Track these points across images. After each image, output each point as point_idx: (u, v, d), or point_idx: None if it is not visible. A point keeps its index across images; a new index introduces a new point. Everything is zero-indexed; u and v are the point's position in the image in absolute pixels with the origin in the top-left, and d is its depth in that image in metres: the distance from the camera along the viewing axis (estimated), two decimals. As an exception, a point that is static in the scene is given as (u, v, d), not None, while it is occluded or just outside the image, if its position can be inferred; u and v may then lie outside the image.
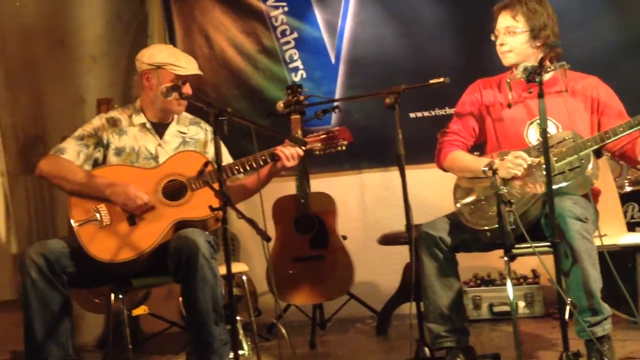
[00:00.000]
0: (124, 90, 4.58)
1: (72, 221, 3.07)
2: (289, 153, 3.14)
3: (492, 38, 3.17)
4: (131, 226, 3.06)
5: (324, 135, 3.22)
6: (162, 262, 3.06)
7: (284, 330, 3.88)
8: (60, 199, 4.40)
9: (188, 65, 3.24)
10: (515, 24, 3.09)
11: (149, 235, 3.03)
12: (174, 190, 3.12)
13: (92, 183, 3.11)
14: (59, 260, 3.01)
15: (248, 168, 3.13)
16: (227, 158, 3.32)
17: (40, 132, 4.53)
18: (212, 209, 2.72)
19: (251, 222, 2.62)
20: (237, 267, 3.86)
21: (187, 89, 3.22)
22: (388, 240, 4.14)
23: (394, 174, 4.14)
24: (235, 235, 4.51)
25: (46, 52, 4.52)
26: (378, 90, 3.14)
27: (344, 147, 3.23)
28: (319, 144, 3.20)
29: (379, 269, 4.58)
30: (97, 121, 3.29)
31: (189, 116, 3.40)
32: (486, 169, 2.88)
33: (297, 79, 4.71)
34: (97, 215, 3.07)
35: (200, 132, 3.39)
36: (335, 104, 3.64)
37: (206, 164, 2.98)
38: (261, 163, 3.13)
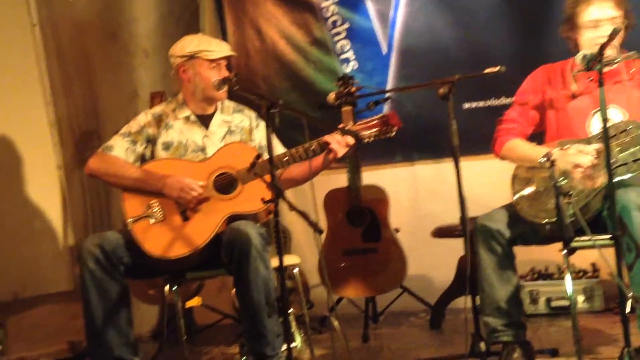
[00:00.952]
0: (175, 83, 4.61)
1: (125, 217, 3.12)
2: (338, 141, 3.12)
3: (586, 31, 3.02)
4: (184, 221, 3.09)
5: (373, 121, 3.21)
6: (215, 255, 3.09)
7: (336, 323, 3.88)
8: (115, 192, 4.39)
9: (220, 48, 3.25)
10: (617, 13, 3.01)
11: (203, 230, 3.05)
12: (225, 184, 3.14)
13: (144, 177, 3.14)
14: (115, 251, 3.05)
15: (298, 159, 3.14)
16: (279, 148, 3.32)
17: (94, 125, 4.60)
18: (264, 201, 2.74)
19: (303, 215, 2.64)
20: (289, 260, 3.90)
21: (224, 73, 3.24)
22: (442, 233, 4.11)
23: (447, 165, 4.20)
24: (286, 227, 4.54)
25: (99, 46, 4.59)
26: (431, 81, 3.12)
27: (393, 133, 3.21)
28: (368, 131, 3.19)
29: (432, 262, 4.55)
30: (143, 117, 3.32)
31: (232, 104, 3.41)
32: (543, 159, 2.81)
33: (348, 70, 4.70)
34: (151, 210, 3.10)
35: (245, 120, 3.39)
36: (387, 95, 3.66)
37: (257, 156, 2.99)
38: (311, 153, 3.13)
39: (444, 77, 3.07)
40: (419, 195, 4.68)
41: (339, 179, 4.25)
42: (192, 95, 3.31)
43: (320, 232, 2.62)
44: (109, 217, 4.58)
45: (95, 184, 4.54)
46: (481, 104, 4.48)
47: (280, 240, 2.74)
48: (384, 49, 4.64)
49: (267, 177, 2.81)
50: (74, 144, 4.55)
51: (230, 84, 3.04)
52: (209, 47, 3.23)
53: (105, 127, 4.55)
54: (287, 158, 3.13)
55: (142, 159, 3.26)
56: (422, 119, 4.53)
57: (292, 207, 2.65)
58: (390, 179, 4.54)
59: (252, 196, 3.04)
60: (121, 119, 4.16)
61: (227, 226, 3.07)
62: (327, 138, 3.13)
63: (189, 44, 3.25)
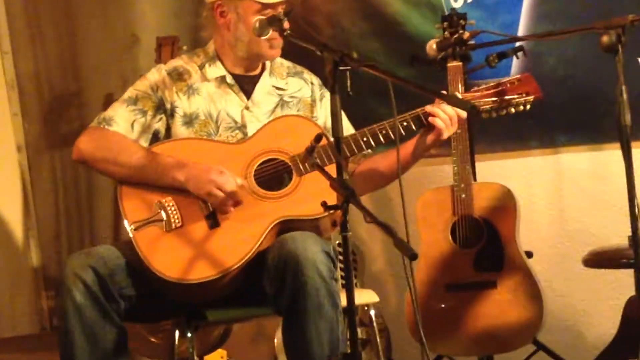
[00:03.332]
0: (195, 25, 4.56)
1: (126, 222, 3.16)
2: (446, 115, 3.14)
3: None
4: (212, 229, 3.13)
5: (497, 87, 3.23)
6: (255, 283, 3.12)
7: (433, 396, 3.84)
8: (103, 186, 4.51)
9: None
10: None
11: (239, 242, 3.10)
12: (272, 175, 3.20)
13: (156, 165, 3.19)
14: (113, 277, 3.10)
15: (382, 141, 3.16)
16: (347, 127, 3.35)
17: (74, 86, 4.64)
18: (326, 206, 2.75)
19: (387, 229, 2.62)
20: (362, 296, 3.91)
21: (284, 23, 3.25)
22: (600, 260, 4.07)
23: (611, 154, 4.12)
24: (358, 247, 4.55)
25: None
26: (588, 23, 3.13)
27: (528, 106, 3.23)
28: (490, 101, 3.21)
29: (583, 305, 4.55)
30: (155, 75, 3.38)
31: (287, 63, 3.48)
32: None
33: (458, 4, 4.68)
34: (163, 213, 3.15)
35: (305, 87, 3.46)
36: (519, 43, 3.63)
37: (319, 136, 3.00)
38: (402, 132, 3.15)
39: (608, 17, 3.06)
40: (565, 200, 4.64)
41: (440, 174, 4.30)
42: (230, 48, 3.38)
43: (413, 256, 2.58)
44: (91, 225, 4.62)
45: (74, 174, 4.59)
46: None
47: (349, 266, 2.73)
48: (515, -28, 4.60)
49: (333, 170, 2.81)
50: (43, 114, 4.63)
51: (279, 27, 3.08)
52: None
53: (89, 89, 4.60)
54: (365, 138, 3.17)
55: (155, 137, 3.33)
56: (573, 82, 4.50)
57: (369, 218, 2.64)
58: (519, 174, 4.53)
59: (313, 194, 3.04)
60: (113, 76, 4.27)
61: (275, 239, 3.11)
62: (428, 109, 3.16)
63: None
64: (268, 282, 3.06)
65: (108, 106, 3.36)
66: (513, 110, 3.21)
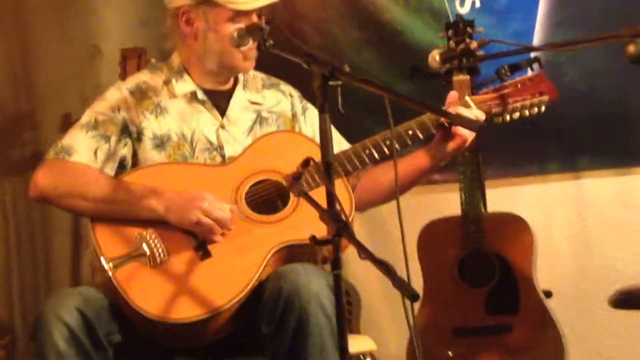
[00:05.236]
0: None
1: (103, 260, 3.08)
2: (469, 118, 3.10)
3: None
4: (202, 261, 3.08)
5: (507, 88, 3.22)
6: (249, 321, 3.05)
7: None
8: (60, 219, 4.50)
9: None
10: None
11: (236, 275, 3.04)
12: (266, 198, 3.16)
13: (129, 196, 3.14)
14: (101, 320, 3.04)
15: (387, 152, 3.14)
16: (338, 140, 3.35)
17: (26, 106, 4.60)
18: (315, 241, 2.64)
19: (384, 267, 2.52)
20: (357, 344, 3.90)
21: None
22: (629, 300, 3.96)
23: None
24: (353, 286, 4.48)
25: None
26: (611, 30, 3.05)
27: (543, 107, 3.22)
28: (499, 102, 3.20)
29: (609, 351, 4.42)
30: (115, 94, 3.34)
31: (260, 75, 3.47)
32: None
33: (464, 10, 4.59)
34: (145, 246, 3.08)
35: (284, 101, 3.45)
36: (534, 54, 3.62)
37: (306, 161, 2.93)
38: (409, 142, 3.14)
39: (635, 24, 2.98)
40: (588, 232, 4.53)
41: (445, 201, 4.22)
42: (198, 61, 3.34)
43: (414, 297, 2.49)
44: (47, 261, 4.56)
45: (27, 204, 4.54)
46: None
47: (342, 309, 2.62)
48: (529, -26, 4.65)
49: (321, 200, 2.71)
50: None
51: (261, 37, 2.99)
52: None
53: (44, 108, 4.56)
54: (368, 151, 3.15)
55: (121, 165, 3.30)
56: (596, 98, 4.39)
57: (364, 253, 2.54)
58: (534, 201, 4.47)
59: (315, 215, 2.94)
60: (71, 94, 4.18)
61: (274, 268, 3.06)
62: (452, 110, 3.15)
63: None
64: (264, 321, 3.01)
65: (66, 128, 3.34)
66: (527, 112, 3.19)
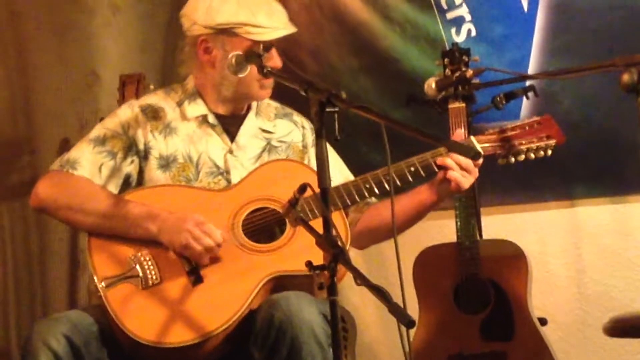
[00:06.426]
0: (164, 61, 4.66)
1: (95, 279, 3.10)
2: (460, 167, 3.12)
3: None
4: (194, 286, 3.09)
5: (514, 130, 3.22)
6: (242, 347, 3.05)
7: None
8: (57, 244, 4.48)
9: (271, 22, 3.29)
10: None
11: (226, 302, 3.05)
12: (263, 226, 3.18)
13: (126, 215, 3.16)
14: (89, 348, 3.05)
15: (387, 187, 3.13)
16: (343, 173, 3.38)
17: (25, 131, 4.62)
18: (311, 266, 2.66)
19: (380, 293, 2.53)
20: None
21: (273, 60, 3.27)
22: (624, 328, 3.96)
23: (636, 208, 4.22)
24: (348, 312, 4.41)
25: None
26: (608, 59, 3.12)
27: (549, 151, 3.25)
28: (504, 144, 3.22)
29: None
30: (127, 112, 3.37)
31: (274, 104, 3.48)
32: None
33: (460, 39, 4.62)
34: (138, 268, 3.11)
35: (295, 131, 3.46)
36: (529, 82, 3.63)
37: (303, 187, 2.91)
38: (410, 179, 3.16)
39: (630, 52, 3.06)
40: (583, 260, 4.54)
41: (440, 230, 4.26)
42: (213, 88, 3.36)
43: (410, 324, 2.50)
44: (43, 286, 4.55)
45: (25, 229, 4.53)
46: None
47: (338, 335, 2.64)
48: (525, 5, 4.56)
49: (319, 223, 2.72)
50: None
51: (259, 63, 3.05)
52: (254, 20, 3.26)
53: (43, 133, 4.57)
54: (368, 185, 3.16)
55: (126, 182, 3.32)
56: (591, 126, 4.43)
57: (360, 280, 2.57)
58: (531, 230, 4.49)
59: (310, 246, 2.92)
60: (70, 120, 4.20)
61: (266, 298, 3.07)
62: (439, 161, 3.16)
63: (220, 6, 3.29)
64: (256, 348, 3.02)
65: (64, 153, 3.32)
66: (533, 156, 3.21)
